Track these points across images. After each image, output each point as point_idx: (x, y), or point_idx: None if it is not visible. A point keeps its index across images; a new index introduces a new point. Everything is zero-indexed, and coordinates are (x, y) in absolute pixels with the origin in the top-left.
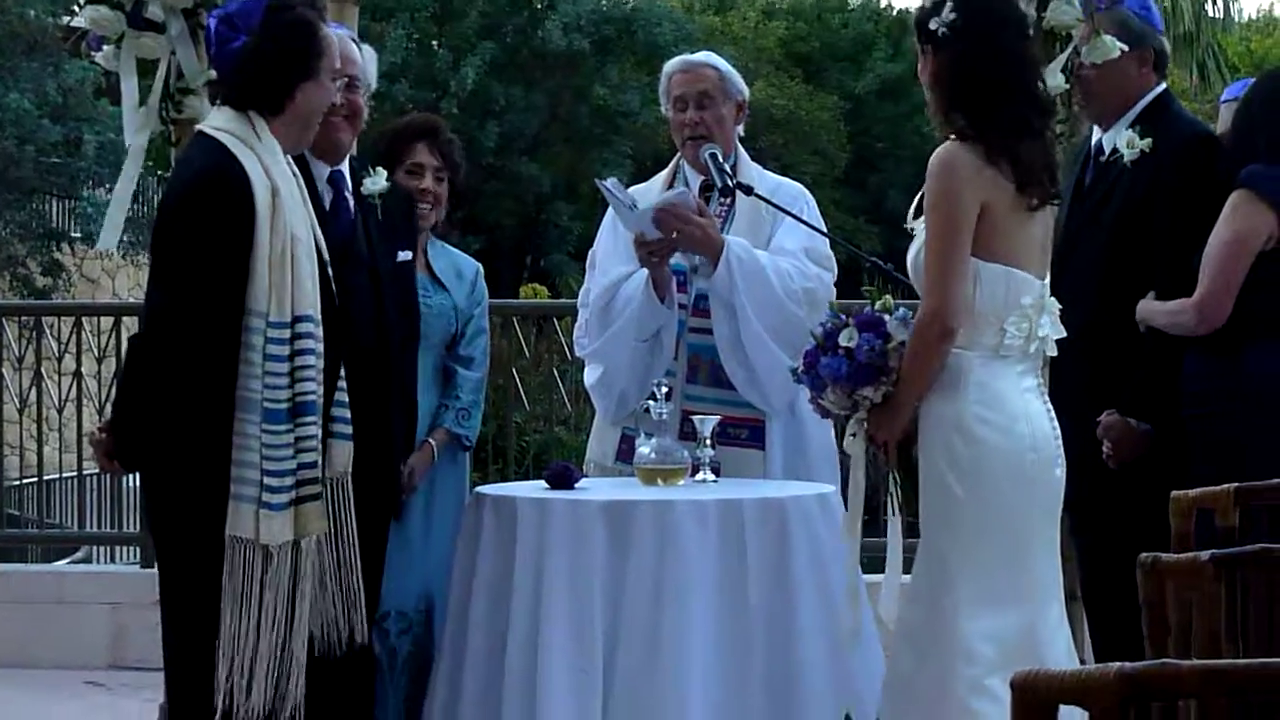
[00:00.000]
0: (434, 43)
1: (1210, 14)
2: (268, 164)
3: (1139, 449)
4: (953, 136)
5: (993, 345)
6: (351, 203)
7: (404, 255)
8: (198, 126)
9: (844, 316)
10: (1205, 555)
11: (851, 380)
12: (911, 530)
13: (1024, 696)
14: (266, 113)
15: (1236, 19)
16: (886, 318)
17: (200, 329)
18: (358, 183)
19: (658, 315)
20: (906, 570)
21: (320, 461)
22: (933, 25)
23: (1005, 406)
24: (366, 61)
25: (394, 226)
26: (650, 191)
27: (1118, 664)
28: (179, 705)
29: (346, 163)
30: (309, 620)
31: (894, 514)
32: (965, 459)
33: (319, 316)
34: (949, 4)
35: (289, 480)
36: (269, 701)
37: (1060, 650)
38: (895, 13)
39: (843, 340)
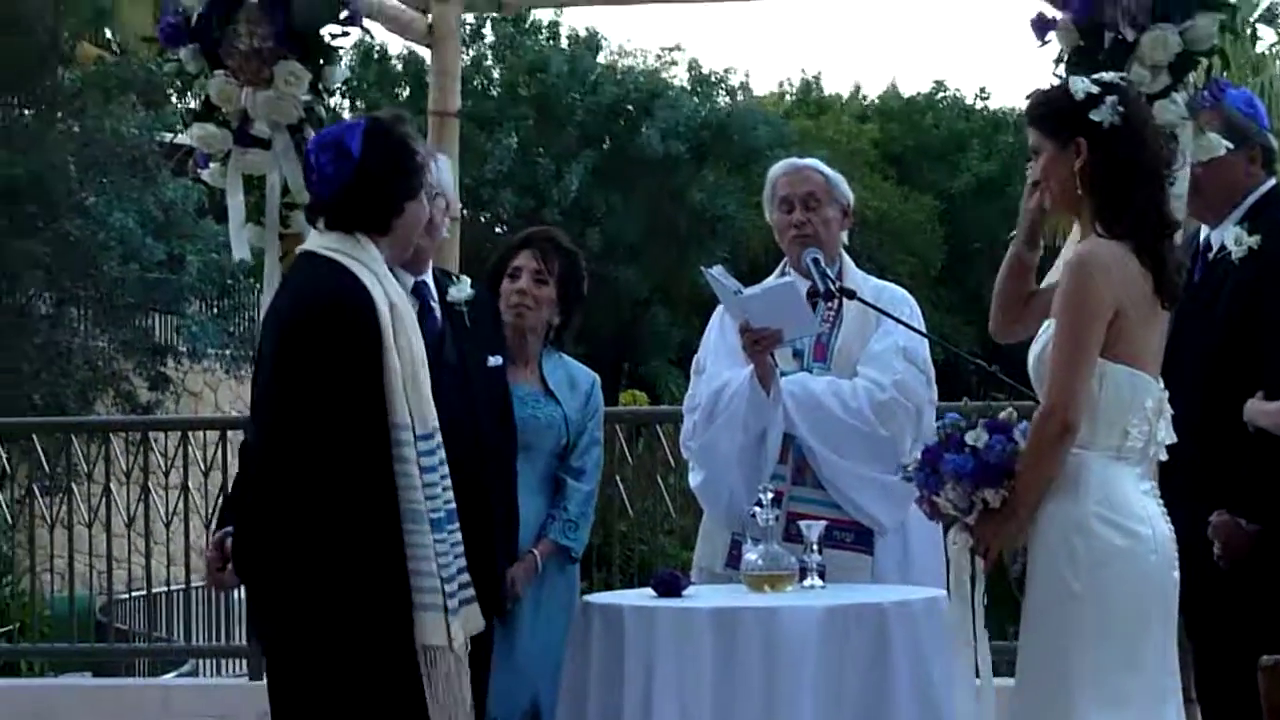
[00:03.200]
0: (537, 151)
1: None
2: (383, 281)
3: (1249, 548)
4: (1097, 230)
5: (1115, 446)
6: (438, 311)
7: (494, 361)
8: (304, 247)
9: (966, 419)
10: None
11: (974, 479)
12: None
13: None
14: (374, 232)
15: None
16: (1013, 427)
17: (349, 445)
18: (443, 291)
19: (763, 411)
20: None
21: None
22: (1096, 117)
23: (1127, 508)
24: (441, 170)
25: (482, 333)
26: (760, 287)
27: None
28: None
29: (430, 273)
30: None
31: (983, 626)
32: (1086, 558)
33: None
34: (1112, 97)
35: (455, 585)
36: None
37: None
38: (988, 111)
39: (969, 439)
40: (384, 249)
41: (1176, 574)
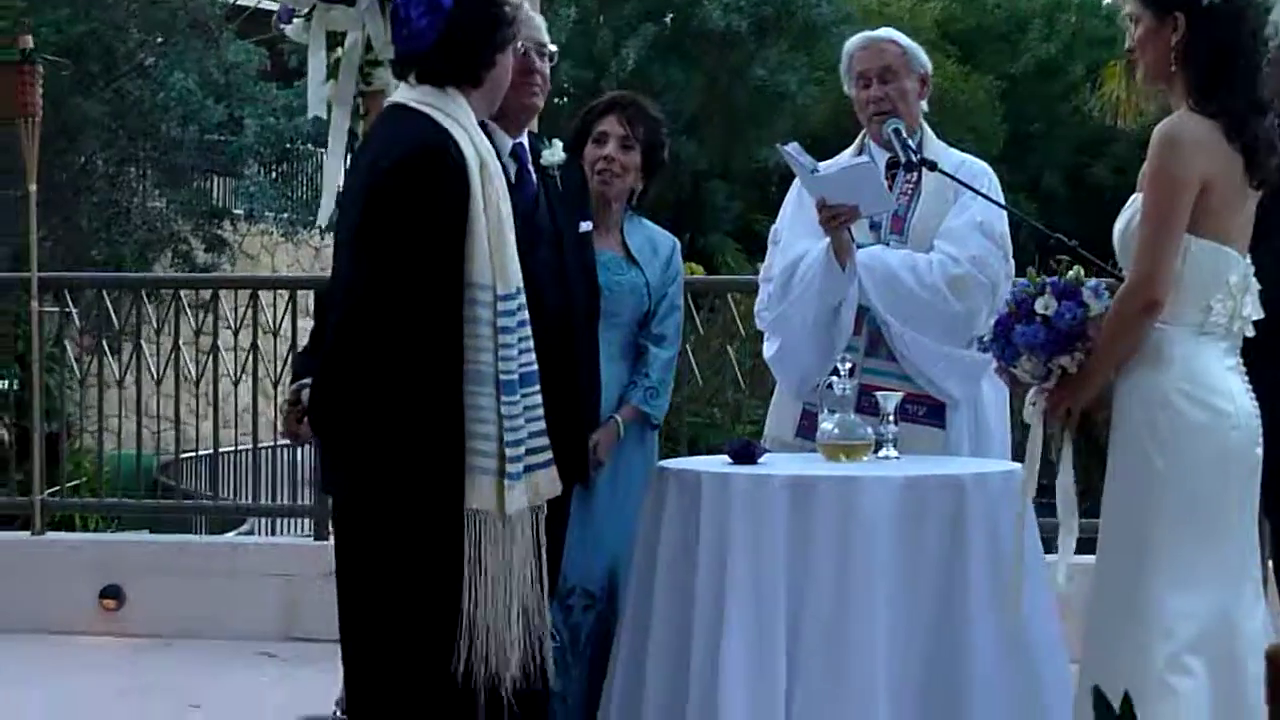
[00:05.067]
0: (596, 23)
1: None
2: (474, 137)
3: None
4: (1189, 105)
5: (1198, 322)
6: (533, 174)
7: (585, 226)
8: (394, 99)
9: (1039, 283)
10: None
11: (1048, 348)
12: (1085, 508)
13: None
14: (466, 85)
15: None
16: (1082, 288)
17: (424, 302)
18: (536, 155)
19: (838, 284)
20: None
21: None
22: None
23: (1210, 383)
24: (539, 25)
25: (572, 198)
26: (837, 165)
27: None
28: (361, 677)
29: (526, 135)
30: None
31: (1069, 481)
32: (1168, 433)
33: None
34: None
35: (523, 449)
36: (527, 669)
37: (1255, 629)
38: None
39: (1039, 308)
40: (475, 102)
41: (1260, 451)
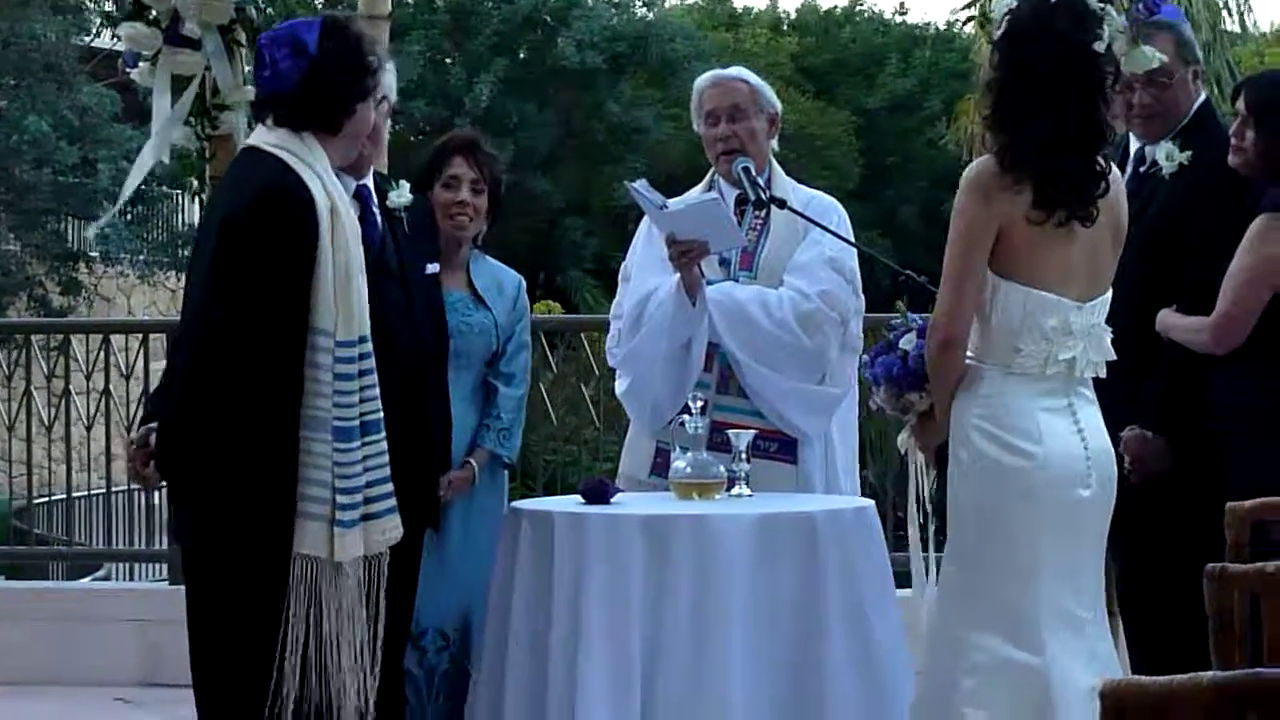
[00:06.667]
0: (448, 60)
1: (1226, 26)
2: (325, 181)
3: (1159, 463)
4: (985, 149)
5: (1005, 362)
6: (379, 217)
7: (431, 268)
8: (249, 142)
9: (919, 320)
10: (1272, 566)
11: (899, 383)
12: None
13: (1111, 706)
14: (323, 132)
15: (1253, 31)
16: None
17: (265, 346)
18: (382, 197)
19: (689, 320)
20: None
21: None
22: (997, 32)
23: (1009, 422)
24: (389, 77)
25: (419, 239)
26: (685, 201)
27: (1208, 674)
28: None
29: (371, 177)
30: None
31: (914, 524)
32: (967, 468)
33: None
34: (1006, 14)
35: (359, 497)
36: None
37: (1070, 670)
38: (905, 26)
39: (902, 344)
40: (331, 150)
41: (1087, 492)
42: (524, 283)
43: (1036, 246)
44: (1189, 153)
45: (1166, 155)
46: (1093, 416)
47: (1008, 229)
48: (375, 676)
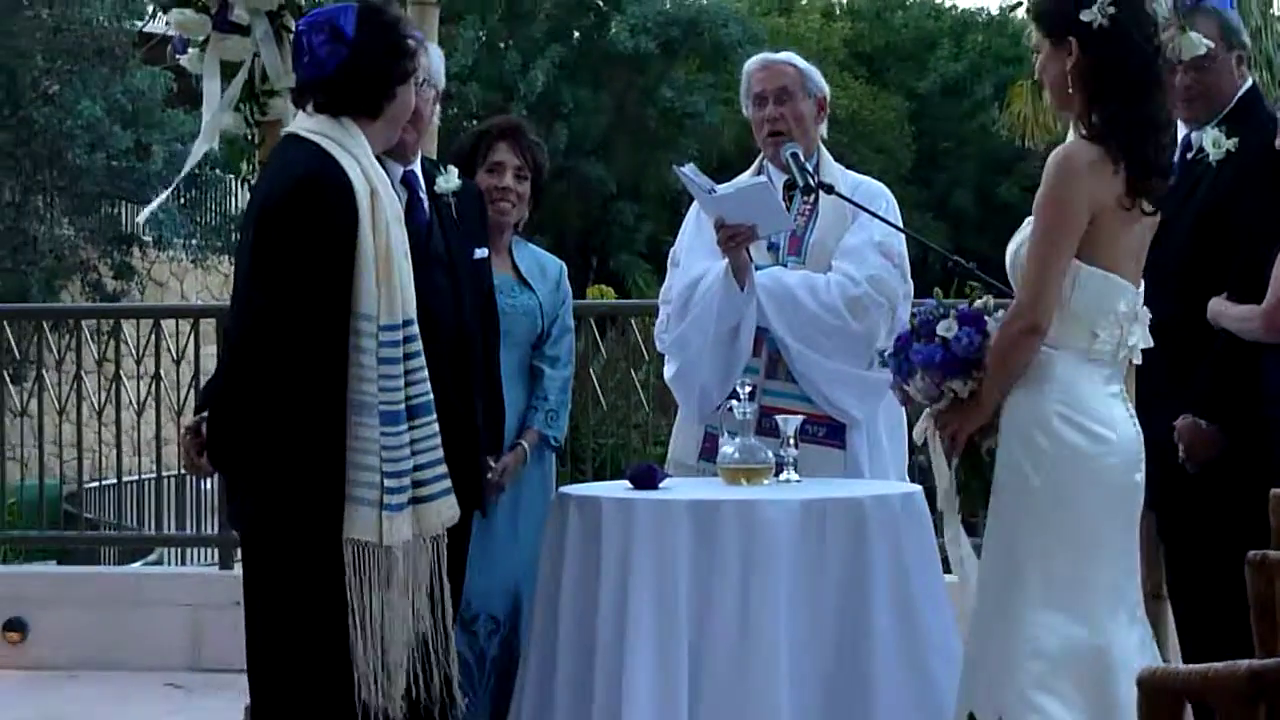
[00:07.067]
0: (503, 45)
1: (1277, 11)
2: (365, 166)
3: (1212, 450)
4: (1082, 134)
5: (1082, 348)
6: (426, 202)
7: (480, 252)
8: (287, 129)
9: (944, 307)
10: None
11: (943, 370)
12: (969, 529)
13: (1151, 693)
14: (363, 116)
15: None
16: (987, 317)
17: (308, 332)
18: (430, 182)
19: (736, 304)
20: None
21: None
22: (1086, 17)
23: (1089, 408)
24: (433, 61)
25: (468, 224)
26: (734, 185)
27: (1246, 661)
28: (266, 706)
29: (419, 162)
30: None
31: (951, 514)
32: (1045, 453)
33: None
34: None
35: (407, 480)
36: (423, 696)
37: (1129, 653)
38: (957, 10)
39: (940, 330)
40: (372, 134)
41: (1140, 477)
42: (565, 268)
43: (1118, 230)
44: (1235, 139)
45: (1213, 142)
46: (1129, 402)
47: (1100, 215)
48: (451, 661)
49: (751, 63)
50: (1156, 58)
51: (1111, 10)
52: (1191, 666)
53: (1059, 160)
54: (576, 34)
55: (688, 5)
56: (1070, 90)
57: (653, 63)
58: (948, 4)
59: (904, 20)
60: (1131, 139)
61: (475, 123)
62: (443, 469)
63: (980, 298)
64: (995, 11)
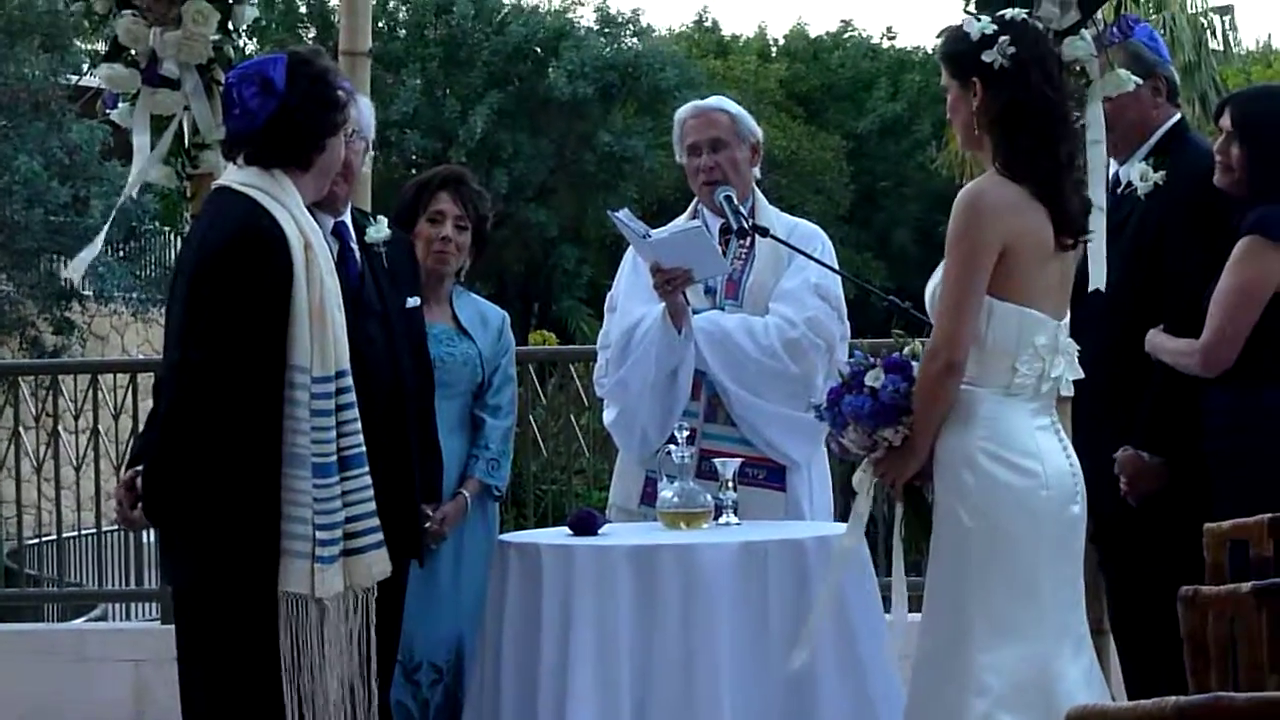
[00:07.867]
0: (442, 93)
1: (1211, 45)
2: (298, 218)
3: (1155, 482)
4: (996, 169)
5: (1003, 384)
6: (358, 253)
7: (412, 302)
8: (218, 183)
9: (872, 358)
10: (1246, 586)
11: (873, 419)
12: (915, 569)
13: None
14: (294, 168)
15: (1236, 50)
16: (914, 363)
17: (244, 385)
18: (360, 232)
19: (675, 348)
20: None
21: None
22: (987, 58)
23: (1014, 442)
24: (363, 113)
25: (399, 274)
26: (669, 230)
27: (1173, 699)
28: None
29: (349, 213)
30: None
31: (898, 554)
32: (974, 492)
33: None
34: (1004, 37)
35: (338, 533)
36: None
37: (1073, 685)
38: (894, 50)
39: (868, 380)
40: (303, 186)
41: (1077, 509)
42: (508, 317)
43: (1033, 265)
44: (1163, 172)
45: (1140, 175)
46: (1064, 434)
47: (1010, 251)
48: (371, 714)
49: (684, 111)
50: (1061, 96)
51: (1012, 51)
52: (1120, 704)
53: (968, 199)
54: (515, 81)
55: (625, 51)
56: (976, 131)
57: (591, 108)
58: (884, 44)
59: (840, 60)
60: (1043, 176)
61: (415, 171)
62: (375, 521)
63: (907, 344)
64: (931, 50)
